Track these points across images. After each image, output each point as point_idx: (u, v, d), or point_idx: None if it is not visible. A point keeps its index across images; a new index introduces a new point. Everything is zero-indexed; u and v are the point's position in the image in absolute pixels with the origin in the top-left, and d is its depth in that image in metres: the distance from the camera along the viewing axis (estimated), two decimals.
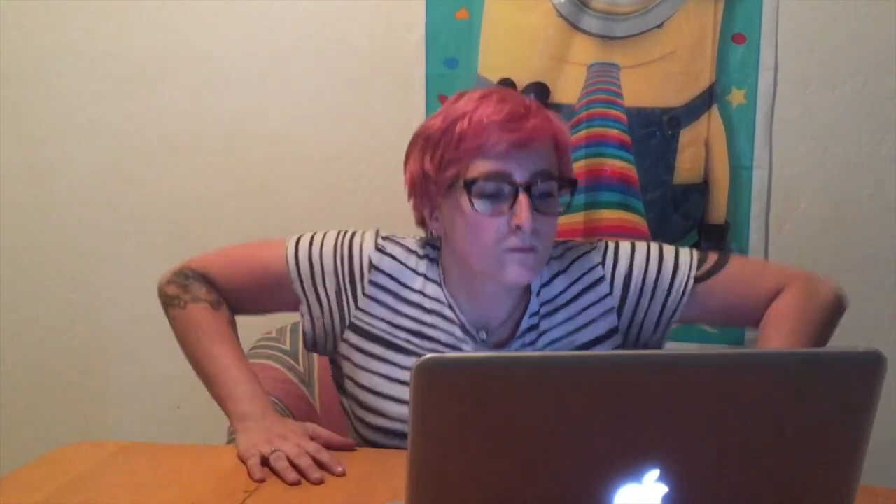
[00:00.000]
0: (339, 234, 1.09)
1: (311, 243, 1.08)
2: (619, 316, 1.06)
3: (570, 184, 1.00)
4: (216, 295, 1.08)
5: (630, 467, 0.57)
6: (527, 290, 1.06)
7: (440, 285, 1.06)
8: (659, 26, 1.69)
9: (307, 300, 1.07)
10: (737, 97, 1.69)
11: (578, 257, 1.08)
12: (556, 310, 1.06)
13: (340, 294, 1.05)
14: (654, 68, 1.70)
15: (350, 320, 1.05)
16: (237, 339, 1.08)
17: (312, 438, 0.96)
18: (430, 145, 0.98)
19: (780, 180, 1.72)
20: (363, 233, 1.09)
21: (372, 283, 1.04)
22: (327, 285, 1.06)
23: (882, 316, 1.70)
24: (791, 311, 1.02)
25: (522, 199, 0.94)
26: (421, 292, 1.05)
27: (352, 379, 1.07)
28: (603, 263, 1.07)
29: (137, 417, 1.95)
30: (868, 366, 0.57)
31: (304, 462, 0.90)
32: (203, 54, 1.83)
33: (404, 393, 0.91)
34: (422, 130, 1.02)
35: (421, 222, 1.07)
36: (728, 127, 1.70)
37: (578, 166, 1.71)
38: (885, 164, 1.69)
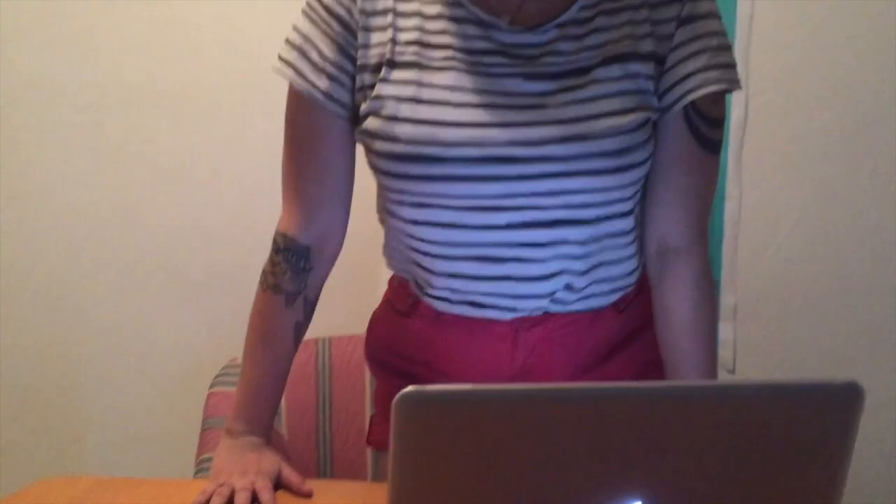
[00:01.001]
0: (302, 10, 0.94)
1: (287, 44, 0.94)
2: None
3: None
4: (298, 284, 0.98)
5: (613, 498, 0.57)
6: None
7: None
8: None
9: (333, 90, 0.92)
10: None
11: None
12: (623, 9, 0.89)
13: (344, 49, 0.91)
14: None
15: (358, 63, 0.92)
16: (292, 344, 1.01)
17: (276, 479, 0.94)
18: None
19: (754, 211, 1.74)
20: None
21: (362, 12, 0.91)
22: (334, 60, 0.92)
23: (860, 349, 1.72)
24: (705, 317, 0.96)
25: None
26: (426, 1, 0.90)
27: (365, 119, 0.92)
28: None
29: (116, 447, 1.92)
30: (847, 397, 0.58)
31: (241, 499, 0.88)
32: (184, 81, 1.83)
33: (415, 112, 0.86)
34: None
35: None
36: None
37: None
38: (862, 193, 1.73)
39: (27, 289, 1.89)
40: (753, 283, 1.76)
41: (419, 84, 0.87)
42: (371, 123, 0.90)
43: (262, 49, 1.75)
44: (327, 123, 0.94)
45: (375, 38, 0.90)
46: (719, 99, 0.92)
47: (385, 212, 0.99)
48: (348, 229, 1.03)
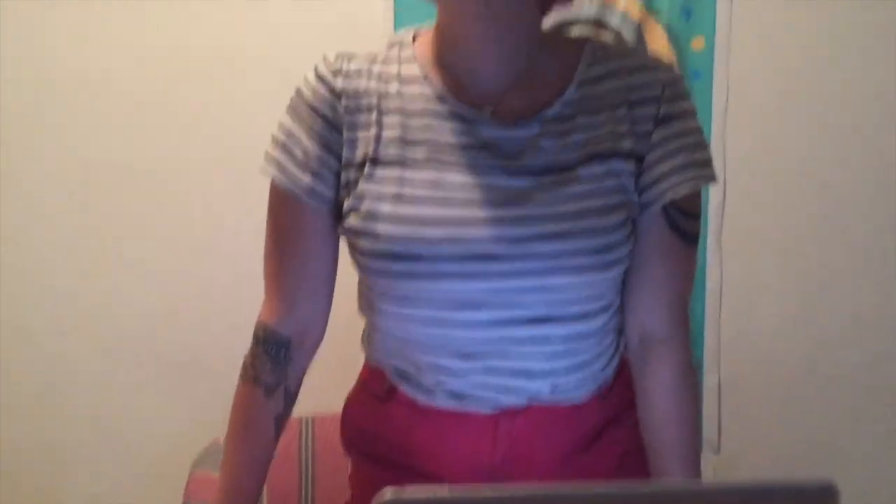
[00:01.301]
0: (287, 107, 0.95)
1: (272, 142, 0.94)
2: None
3: None
4: (278, 377, 0.97)
5: None
6: (548, 60, 0.91)
7: (423, 79, 0.91)
8: None
9: (316, 185, 0.92)
10: None
11: (645, 67, 0.92)
12: (603, 109, 0.90)
13: (329, 147, 0.92)
14: None
15: (343, 160, 0.92)
16: (273, 435, 0.99)
17: None
18: None
19: (735, 291, 1.77)
20: (304, 77, 0.94)
21: (346, 110, 0.91)
22: (318, 157, 0.92)
23: (842, 426, 1.73)
24: (687, 406, 0.97)
25: None
26: (399, 94, 0.91)
27: (346, 217, 0.92)
28: (665, 85, 0.91)
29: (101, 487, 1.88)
30: (821, 498, 0.59)
31: None
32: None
33: (398, 210, 0.86)
34: None
35: None
36: None
37: None
38: (841, 273, 1.75)
39: (10, 370, 1.88)
40: (736, 362, 1.77)
41: (402, 181, 0.88)
42: (353, 221, 0.90)
43: (251, 133, 1.82)
44: (309, 218, 0.94)
45: (360, 135, 0.91)
46: (696, 194, 0.94)
47: (367, 307, 0.99)
48: (334, 305, 1.02)
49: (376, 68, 0.93)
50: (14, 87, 1.83)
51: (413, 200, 0.87)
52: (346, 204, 0.91)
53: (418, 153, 0.88)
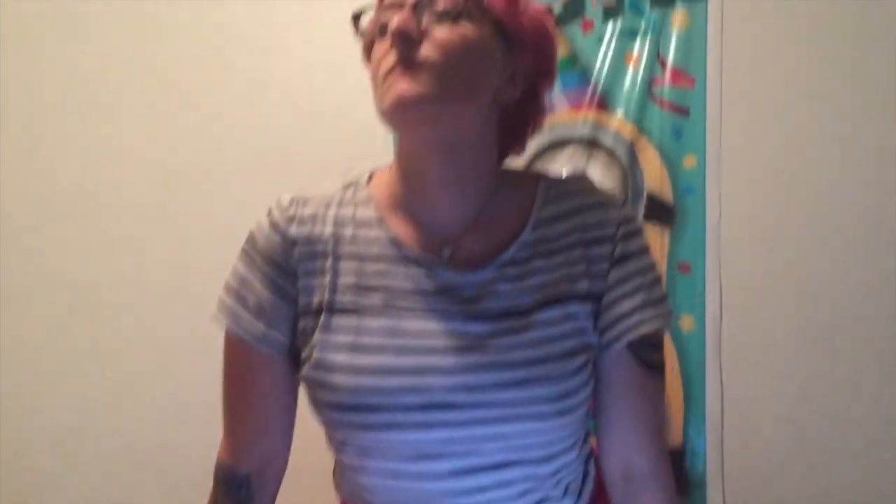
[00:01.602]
0: (241, 251, 0.92)
1: (225, 289, 0.92)
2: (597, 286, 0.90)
3: None
4: (241, 499, 0.93)
5: None
6: (505, 202, 0.90)
7: (378, 223, 0.89)
8: None
9: (269, 333, 0.90)
10: (687, 323, 1.77)
11: (598, 205, 0.91)
12: (558, 251, 0.89)
13: (283, 294, 0.89)
14: None
15: (298, 308, 0.89)
16: None
17: None
18: None
19: (736, 408, 1.75)
20: (258, 222, 0.92)
21: (299, 257, 0.89)
22: (271, 304, 0.90)
23: None
24: None
25: (407, 9, 0.81)
26: (354, 239, 0.89)
27: (303, 366, 0.89)
28: (619, 224, 0.90)
29: None
30: None
31: None
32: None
33: (354, 360, 0.83)
34: None
35: None
36: (680, 352, 1.76)
37: None
38: (844, 378, 1.75)
39: None
40: (739, 480, 1.74)
41: (358, 330, 0.85)
42: (309, 372, 0.87)
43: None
44: (263, 364, 0.91)
45: (315, 282, 0.88)
46: (664, 324, 0.92)
47: (332, 448, 0.95)
48: (313, 429, 0.97)
49: (331, 212, 0.91)
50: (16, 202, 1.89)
51: (369, 350, 0.84)
52: (303, 353, 0.88)
53: (374, 299, 0.86)
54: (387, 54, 0.80)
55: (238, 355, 0.92)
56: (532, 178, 0.94)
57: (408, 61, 0.79)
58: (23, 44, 1.92)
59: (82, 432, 1.88)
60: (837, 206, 1.74)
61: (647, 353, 0.90)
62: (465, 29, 0.81)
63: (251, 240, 0.92)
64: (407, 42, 0.79)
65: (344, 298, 0.86)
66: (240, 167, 1.88)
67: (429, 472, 0.84)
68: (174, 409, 1.88)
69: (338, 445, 0.90)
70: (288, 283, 0.89)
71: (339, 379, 0.84)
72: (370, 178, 0.94)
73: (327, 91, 1.83)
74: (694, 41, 1.77)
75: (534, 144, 1.79)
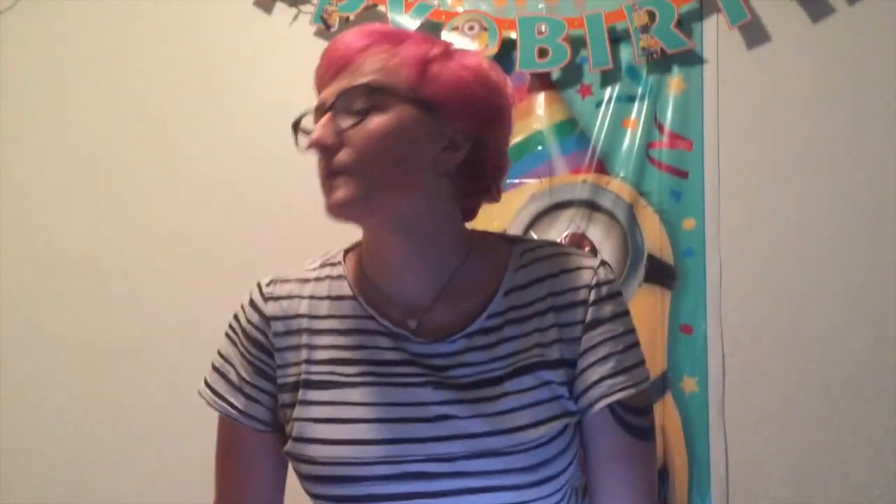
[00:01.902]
0: (226, 333, 0.97)
1: (211, 365, 0.97)
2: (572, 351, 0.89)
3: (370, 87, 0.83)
4: None
5: None
6: (473, 273, 0.91)
7: (353, 297, 0.91)
8: None
9: (249, 409, 0.93)
10: (689, 384, 1.77)
11: (571, 270, 0.91)
12: (530, 317, 0.88)
13: (262, 370, 0.93)
14: None
15: (277, 382, 0.92)
16: None
17: None
18: None
19: (742, 465, 1.74)
20: (241, 304, 0.96)
21: (276, 334, 0.92)
22: (251, 380, 0.93)
23: None
24: None
25: (324, 118, 0.84)
26: (330, 314, 0.91)
27: (290, 440, 0.91)
28: (591, 289, 0.89)
29: None
30: None
31: None
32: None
33: (331, 432, 0.85)
34: None
35: None
36: (683, 414, 1.76)
37: None
38: (849, 438, 1.73)
39: None
40: None
41: (334, 403, 0.87)
42: (290, 446, 0.89)
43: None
44: (247, 437, 0.93)
45: (291, 357, 0.91)
46: (642, 391, 0.90)
47: None
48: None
49: (308, 289, 0.94)
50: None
51: (346, 421, 0.86)
52: (286, 428, 0.91)
53: (350, 371, 0.88)
54: (320, 161, 0.84)
55: (224, 428, 0.95)
56: (506, 243, 0.95)
57: (329, 169, 0.83)
58: (21, 103, 1.97)
59: (79, 491, 1.87)
60: (838, 266, 1.75)
61: (631, 419, 0.88)
62: (375, 123, 0.82)
63: (235, 318, 0.96)
64: (325, 152, 0.83)
65: (320, 372, 0.89)
66: (241, 232, 1.91)
67: None
68: (171, 470, 1.87)
69: None
70: (266, 360, 0.92)
71: (316, 451, 0.86)
72: (345, 254, 0.97)
73: None
74: (690, 105, 1.81)
75: (534, 207, 1.83)
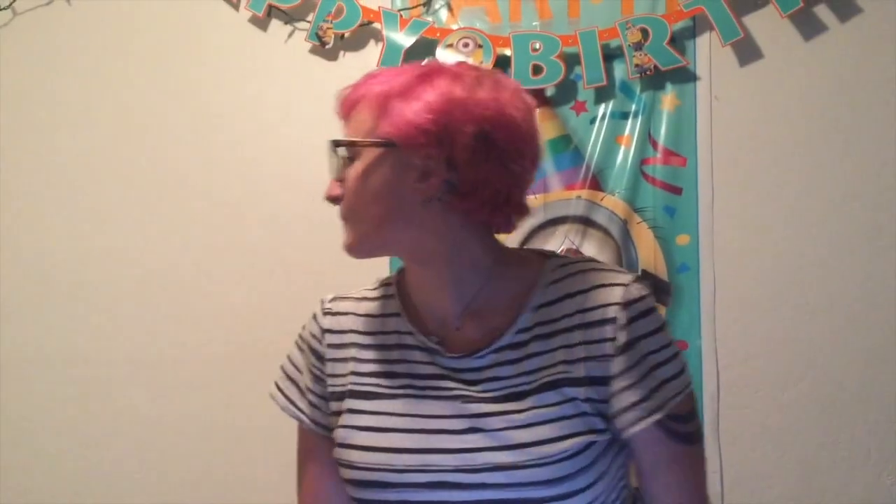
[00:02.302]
0: (295, 342, 1.05)
1: (282, 368, 1.05)
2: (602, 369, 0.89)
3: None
4: None
5: None
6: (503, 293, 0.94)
7: (399, 314, 0.98)
8: None
9: (312, 413, 1.01)
10: None
11: (601, 286, 0.90)
12: (556, 333, 0.90)
13: (319, 378, 1.01)
14: None
15: (328, 391, 0.99)
16: None
17: None
18: None
19: (737, 482, 1.74)
20: (311, 316, 1.05)
21: (330, 346, 0.99)
22: (311, 387, 1.01)
23: None
24: None
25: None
26: (380, 330, 0.98)
27: (336, 445, 0.96)
28: (622, 307, 0.88)
29: None
30: None
31: None
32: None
33: (370, 440, 0.91)
34: None
35: None
36: None
37: None
38: (845, 455, 1.73)
39: None
40: None
41: (375, 413, 0.93)
42: (336, 451, 0.95)
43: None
44: (317, 441, 1.00)
45: (339, 369, 0.98)
46: (687, 395, 0.90)
47: None
48: None
49: (363, 307, 1.01)
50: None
51: (385, 430, 0.91)
52: (334, 434, 0.97)
53: (392, 384, 0.94)
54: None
55: (300, 433, 1.03)
56: (540, 258, 0.97)
57: (340, 217, 0.94)
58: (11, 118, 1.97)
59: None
60: (833, 281, 1.76)
61: (680, 426, 0.88)
62: (352, 171, 0.91)
63: (303, 329, 1.04)
64: (336, 202, 0.93)
65: (365, 383, 0.95)
66: (237, 247, 1.91)
67: None
68: (169, 488, 1.86)
69: None
70: (322, 369, 1.00)
71: (356, 456, 0.92)
72: (400, 273, 1.03)
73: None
74: (684, 121, 1.82)
75: (528, 223, 1.83)
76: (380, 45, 1.88)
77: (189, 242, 1.93)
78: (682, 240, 1.80)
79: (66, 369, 1.91)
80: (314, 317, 1.03)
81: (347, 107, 0.93)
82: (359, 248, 0.92)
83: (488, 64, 1.84)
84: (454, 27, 1.89)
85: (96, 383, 1.90)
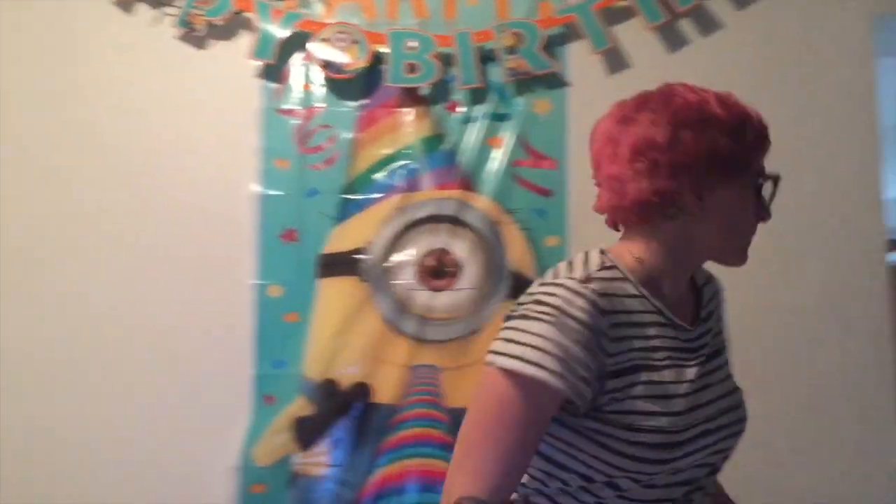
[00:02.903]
0: (549, 322, 1.00)
1: (540, 351, 0.99)
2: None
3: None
4: None
5: None
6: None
7: (643, 296, 1.07)
8: (477, 331, 1.81)
9: (584, 390, 1.00)
10: None
11: (711, 279, 1.19)
12: (710, 315, 1.16)
13: (596, 357, 1.00)
14: (473, 370, 1.79)
15: (606, 370, 1.01)
16: None
17: None
18: (729, 130, 1.03)
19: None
20: (563, 297, 1.00)
21: (613, 325, 1.02)
22: (591, 362, 1.01)
23: None
24: None
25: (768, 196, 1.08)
26: (639, 311, 1.06)
27: (616, 416, 1.02)
28: (719, 293, 1.20)
29: None
30: None
31: None
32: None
33: (652, 407, 1.01)
34: (696, 113, 1.04)
35: (663, 204, 1.06)
36: None
37: (408, 465, 1.75)
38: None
39: None
40: None
41: (653, 383, 1.03)
42: (622, 419, 1.01)
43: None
44: (551, 415, 1.02)
45: (619, 347, 1.02)
46: None
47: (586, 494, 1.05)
48: None
49: (614, 287, 1.04)
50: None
51: (663, 397, 1.03)
52: (608, 406, 1.01)
53: (659, 356, 1.05)
54: (755, 225, 1.08)
55: (544, 409, 1.00)
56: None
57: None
58: None
59: None
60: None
61: None
62: None
63: (562, 312, 0.99)
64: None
65: (642, 358, 1.04)
66: (107, 235, 1.81)
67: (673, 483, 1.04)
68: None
69: (617, 482, 1.02)
70: (601, 347, 1.01)
71: (645, 421, 1.01)
72: (605, 261, 1.09)
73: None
74: (555, 125, 1.85)
75: (399, 221, 1.82)
76: (253, 35, 1.83)
77: (45, 227, 1.82)
78: (552, 241, 1.83)
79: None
80: (587, 300, 1.00)
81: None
82: None
83: (364, 61, 1.82)
84: (330, 21, 1.86)
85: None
